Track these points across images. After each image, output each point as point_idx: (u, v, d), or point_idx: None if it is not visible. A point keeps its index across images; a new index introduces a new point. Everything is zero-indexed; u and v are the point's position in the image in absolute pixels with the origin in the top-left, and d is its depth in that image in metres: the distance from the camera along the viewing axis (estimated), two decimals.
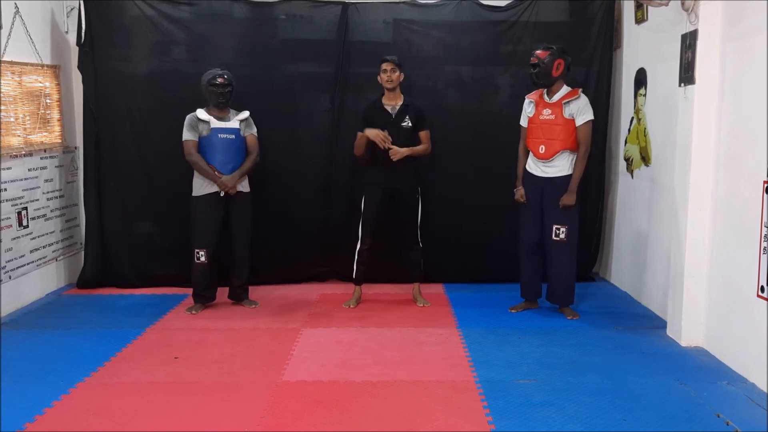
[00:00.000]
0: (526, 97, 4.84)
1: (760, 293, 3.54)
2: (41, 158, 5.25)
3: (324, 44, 5.52)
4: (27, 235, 5.07)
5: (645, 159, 5.07)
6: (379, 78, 4.85)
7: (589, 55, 5.56)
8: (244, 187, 4.91)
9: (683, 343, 4.19)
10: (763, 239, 3.51)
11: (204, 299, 4.96)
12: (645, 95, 5.09)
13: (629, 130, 5.36)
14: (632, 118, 5.30)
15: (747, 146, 3.69)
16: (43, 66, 5.26)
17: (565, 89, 4.67)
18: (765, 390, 3.48)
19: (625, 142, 5.45)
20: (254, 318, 4.80)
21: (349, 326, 4.62)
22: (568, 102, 4.60)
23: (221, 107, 4.81)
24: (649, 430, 3.11)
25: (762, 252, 3.52)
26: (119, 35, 5.42)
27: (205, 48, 5.47)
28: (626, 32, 5.51)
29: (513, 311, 4.95)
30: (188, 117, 4.77)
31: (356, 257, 5.05)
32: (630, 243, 5.39)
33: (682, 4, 4.09)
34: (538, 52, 4.62)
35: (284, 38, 5.57)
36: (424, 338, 4.37)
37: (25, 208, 5.05)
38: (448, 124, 5.54)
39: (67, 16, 5.54)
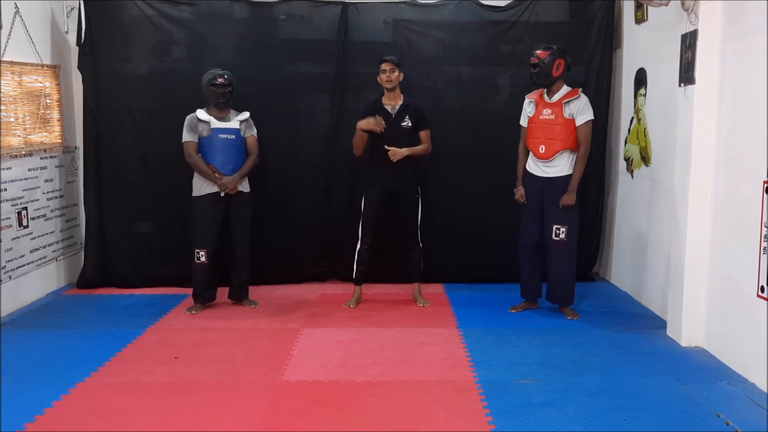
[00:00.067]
0: (526, 97, 4.84)
1: (760, 293, 3.54)
2: (41, 158, 5.25)
3: (324, 44, 5.53)
4: (27, 235, 5.07)
5: (645, 159, 5.06)
6: (378, 78, 4.85)
7: (589, 55, 5.56)
8: (244, 187, 4.91)
9: (683, 343, 4.19)
10: (763, 239, 3.51)
11: (204, 299, 4.96)
12: (645, 95, 5.09)
13: (629, 130, 5.36)
14: (632, 118, 5.30)
15: (747, 146, 3.69)
16: (43, 66, 5.26)
17: (565, 89, 4.67)
18: (765, 390, 3.48)
19: (625, 142, 5.45)
20: (254, 318, 4.80)
21: (349, 326, 4.62)
22: (568, 102, 4.60)
23: (221, 107, 4.81)
24: (649, 430, 3.11)
25: (762, 252, 3.52)
26: (119, 35, 5.42)
27: (205, 48, 5.47)
28: (626, 32, 5.51)
29: (513, 311, 4.95)
30: (188, 118, 4.77)
31: (356, 257, 5.05)
32: (630, 243, 5.39)
33: (682, 4, 4.09)
34: (538, 52, 4.62)
35: (284, 38, 5.57)
36: (424, 338, 4.37)
37: (25, 208, 5.05)
38: (448, 124, 5.54)
39: (67, 16, 5.54)
